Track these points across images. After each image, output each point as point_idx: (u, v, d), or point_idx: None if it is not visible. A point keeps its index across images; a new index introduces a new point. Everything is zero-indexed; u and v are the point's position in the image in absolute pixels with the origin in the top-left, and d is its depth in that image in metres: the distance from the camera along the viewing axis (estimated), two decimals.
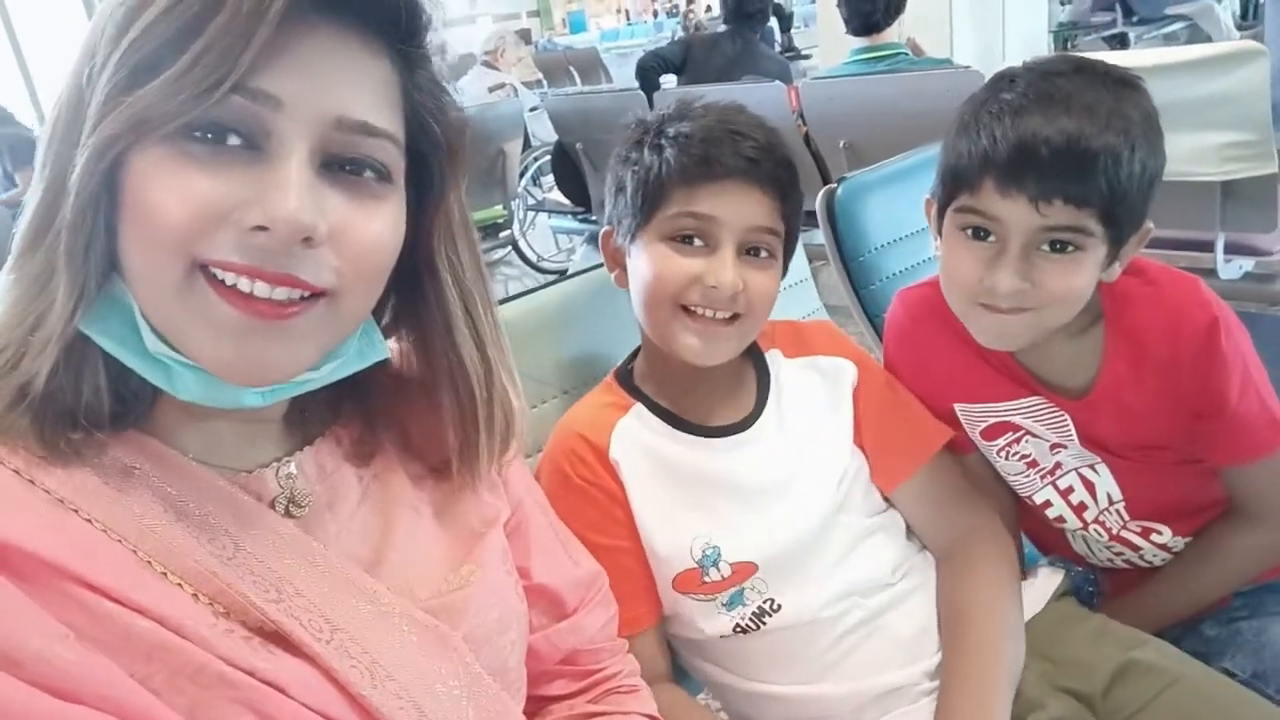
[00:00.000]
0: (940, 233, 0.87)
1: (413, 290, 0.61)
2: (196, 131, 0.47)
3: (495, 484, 0.71)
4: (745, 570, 0.85)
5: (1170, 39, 5.71)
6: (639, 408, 0.91)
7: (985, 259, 0.80)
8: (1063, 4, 8.96)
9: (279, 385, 0.53)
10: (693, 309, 0.83)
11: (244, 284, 0.48)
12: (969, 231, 0.81)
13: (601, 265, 1.07)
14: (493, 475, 0.70)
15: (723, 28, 3.89)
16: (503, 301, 1.03)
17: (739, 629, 0.86)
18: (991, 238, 0.80)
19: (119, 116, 0.46)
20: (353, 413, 0.66)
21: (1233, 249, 2.18)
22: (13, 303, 0.49)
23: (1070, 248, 0.77)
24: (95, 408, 0.51)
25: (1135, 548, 0.96)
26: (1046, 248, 0.78)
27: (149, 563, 0.50)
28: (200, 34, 0.45)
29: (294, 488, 0.59)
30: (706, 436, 0.90)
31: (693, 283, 0.83)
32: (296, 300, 0.50)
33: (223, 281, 0.48)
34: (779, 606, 0.85)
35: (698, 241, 0.84)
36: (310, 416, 0.64)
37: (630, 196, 0.86)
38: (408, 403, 0.66)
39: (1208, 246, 2.15)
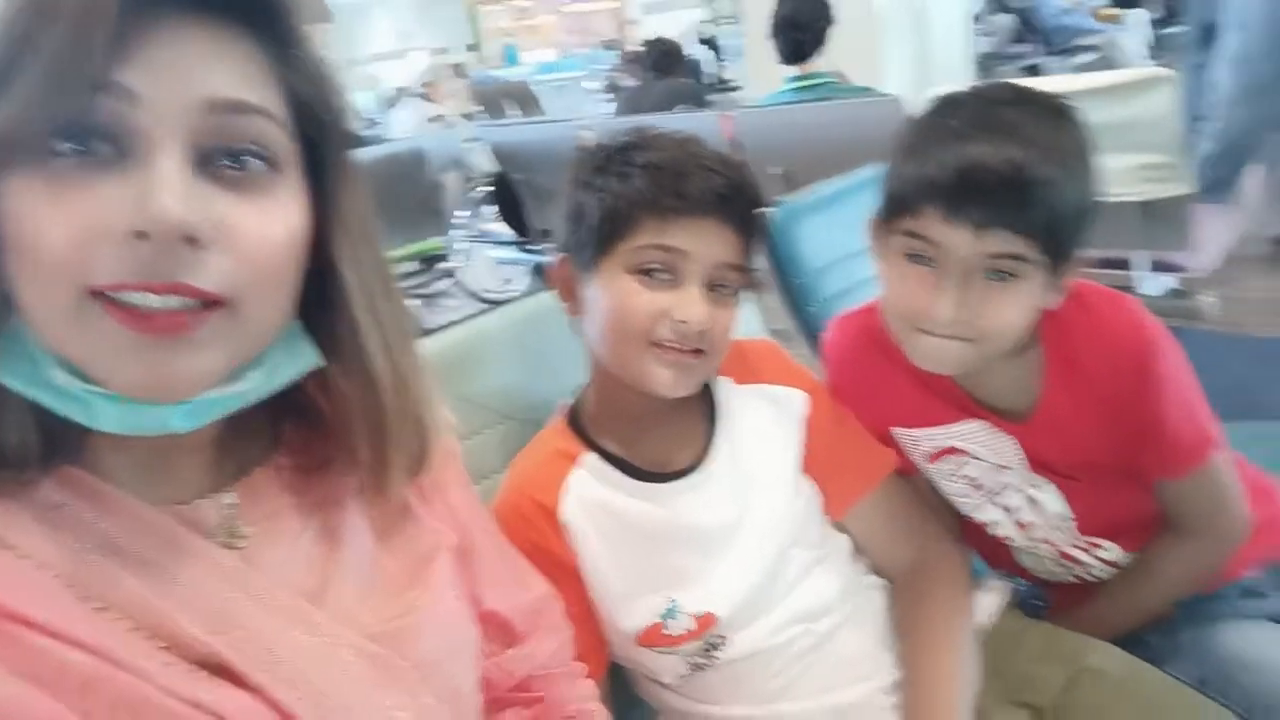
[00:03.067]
0: (881, 255, 0.87)
1: (317, 294, 0.57)
2: (60, 146, 0.45)
3: (439, 509, 0.68)
4: (706, 621, 0.84)
5: (1082, 69, 5.97)
6: (590, 458, 0.87)
7: (926, 284, 0.80)
8: (982, 35, 9.30)
9: (201, 404, 0.50)
10: (662, 343, 0.82)
11: (137, 298, 0.45)
12: (910, 256, 0.81)
13: (539, 292, 1.06)
14: (436, 501, 0.68)
15: (649, 76, 4.01)
16: (441, 328, 1.01)
17: (693, 666, 0.85)
18: (933, 263, 0.80)
19: None
20: (294, 438, 0.63)
21: (1155, 266, 2.26)
22: None
23: (1009, 276, 0.78)
24: (22, 448, 0.49)
25: (1083, 563, 0.97)
26: (987, 276, 0.78)
27: (84, 597, 0.48)
28: (39, 43, 0.43)
29: (233, 518, 0.57)
30: (661, 481, 0.87)
31: (661, 317, 0.81)
32: (193, 309, 0.47)
33: (115, 301, 0.45)
34: (728, 641, 0.84)
35: (664, 275, 0.81)
36: (248, 443, 0.61)
37: (594, 224, 0.83)
38: (341, 430, 0.63)
39: (1127, 265, 2.24)
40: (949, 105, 0.81)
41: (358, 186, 0.57)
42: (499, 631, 0.70)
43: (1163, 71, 2.07)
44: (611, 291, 0.82)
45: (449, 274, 4.17)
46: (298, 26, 0.52)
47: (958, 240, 0.77)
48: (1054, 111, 0.79)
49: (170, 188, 0.45)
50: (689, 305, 0.81)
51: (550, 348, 1.03)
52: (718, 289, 0.84)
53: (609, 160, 0.84)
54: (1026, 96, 0.80)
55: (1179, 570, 0.92)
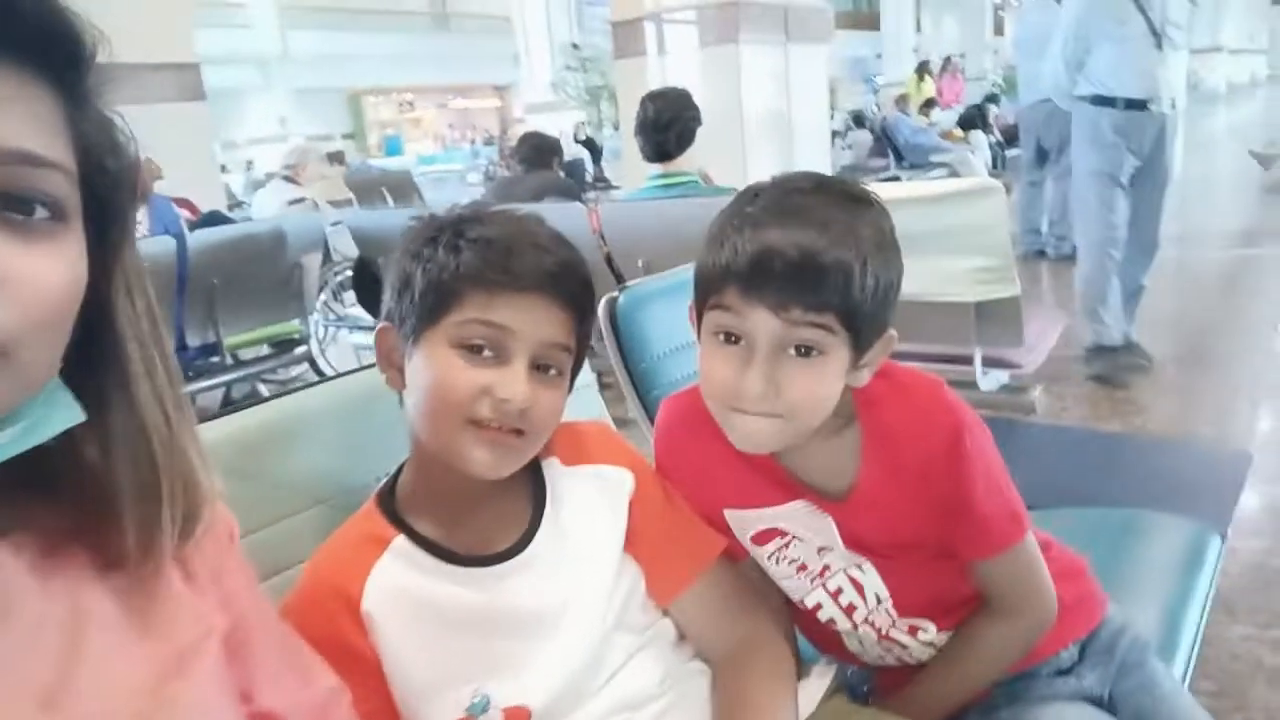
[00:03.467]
0: (700, 339, 0.88)
1: (88, 347, 0.54)
2: None
3: (208, 593, 0.62)
4: (518, 716, 0.79)
5: (932, 183, 6.44)
6: (400, 541, 0.82)
7: (736, 363, 0.82)
8: (843, 149, 9.95)
9: None
10: (482, 422, 0.79)
11: None
12: (721, 336, 0.83)
13: (363, 368, 1.02)
14: (205, 584, 0.62)
15: (517, 169, 4.10)
16: (254, 403, 0.95)
17: None
18: (741, 342, 0.81)
19: None
20: (41, 514, 0.57)
21: (989, 363, 2.39)
22: None
23: (814, 351, 0.80)
24: None
25: (904, 646, 0.97)
26: (792, 351, 0.80)
27: None
28: None
29: None
30: (478, 566, 0.83)
31: (482, 395, 0.78)
32: None
33: None
34: None
35: (488, 352, 0.79)
36: None
37: (418, 295, 0.80)
38: (96, 492, 0.57)
39: (968, 360, 2.36)
40: (750, 193, 0.84)
41: (134, 238, 0.56)
42: None
43: (994, 182, 2.23)
44: (432, 365, 0.80)
45: (308, 359, 4.04)
46: (93, 76, 0.51)
47: (758, 320, 0.79)
48: (850, 198, 0.82)
49: None
50: (512, 383, 0.78)
51: (368, 428, 0.98)
52: (543, 369, 0.82)
53: (440, 232, 0.82)
54: (825, 185, 0.83)
55: (994, 649, 0.93)
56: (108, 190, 0.52)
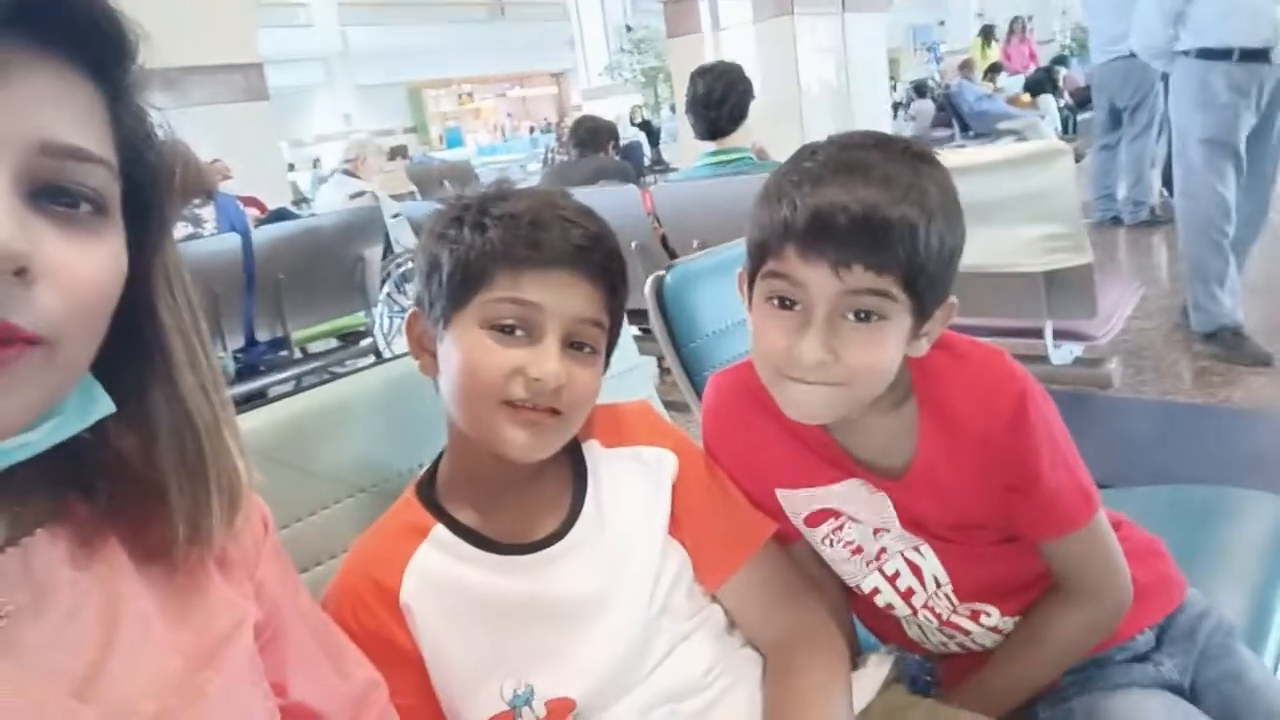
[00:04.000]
0: (751, 307, 0.85)
1: (127, 339, 0.55)
2: None
3: (243, 583, 0.62)
4: (563, 708, 0.77)
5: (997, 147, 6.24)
6: (439, 530, 0.81)
7: (791, 328, 0.78)
8: (906, 121, 9.71)
9: None
10: (516, 402, 0.77)
11: None
12: (775, 301, 0.80)
13: (402, 356, 1.01)
14: (240, 575, 0.62)
15: (572, 153, 4.09)
16: (293, 393, 0.95)
17: None
18: (797, 306, 0.78)
19: None
20: (76, 505, 0.57)
21: (1061, 335, 2.29)
22: None
23: (874, 316, 0.76)
24: None
25: (966, 631, 0.93)
26: (851, 317, 0.76)
27: None
28: None
29: None
30: (519, 554, 0.81)
31: (515, 375, 0.76)
32: (10, 346, 0.44)
33: None
34: None
35: (519, 331, 0.78)
36: (21, 506, 0.55)
37: (446, 277, 0.79)
38: (133, 483, 0.58)
39: (1038, 334, 2.26)
40: (808, 151, 0.80)
41: (172, 231, 0.58)
42: None
43: (1060, 144, 2.12)
44: (464, 347, 0.78)
45: (374, 351, 4.11)
46: (138, 71, 0.52)
47: (818, 279, 0.75)
48: (913, 155, 0.78)
49: (4, 220, 0.43)
50: (544, 362, 0.77)
51: (408, 415, 0.97)
52: (577, 346, 0.80)
53: (465, 211, 0.81)
54: (887, 142, 0.79)
55: (1066, 636, 0.89)
56: (146, 183, 0.54)
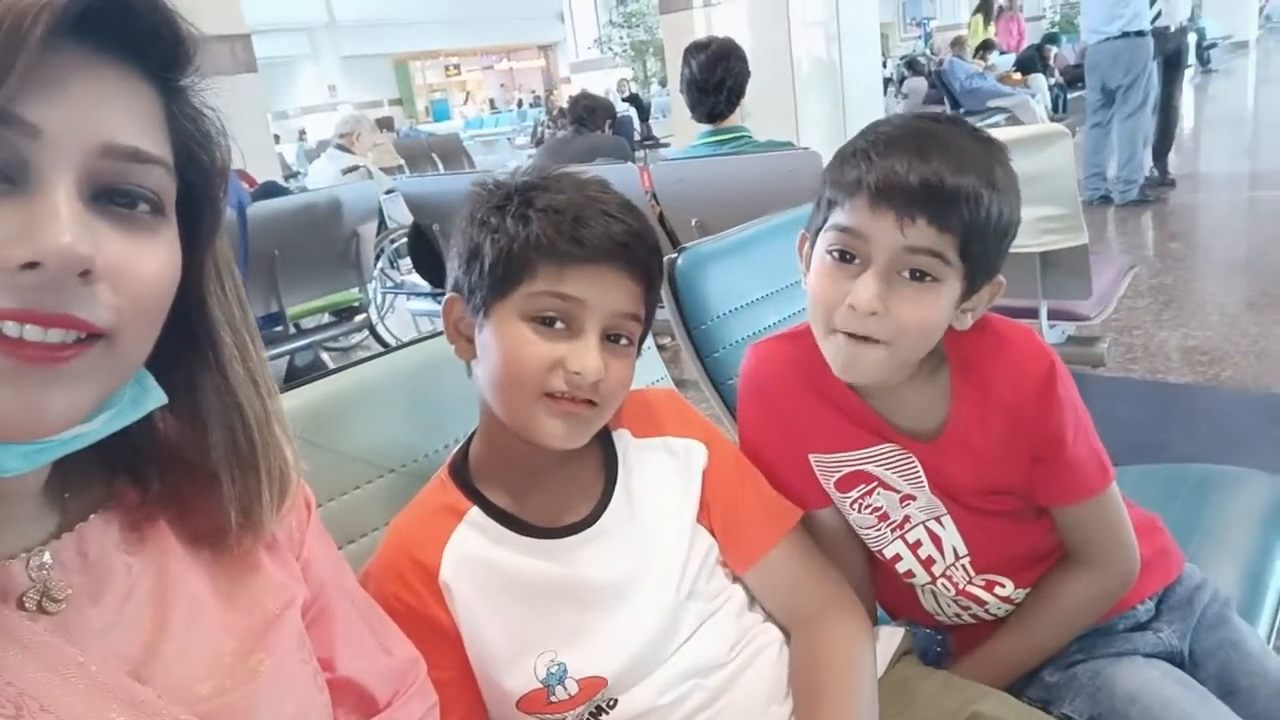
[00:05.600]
0: (810, 264, 0.89)
1: (179, 332, 0.56)
2: None
3: (290, 564, 0.64)
4: (594, 686, 0.80)
5: (994, 129, 6.25)
6: (475, 513, 0.83)
7: (847, 278, 0.83)
8: (897, 98, 9.70)
9: (48, 443, 0.47)
10: (555, 394, 0.79)
11: (11, 328, 0.43)
12: (836, 254, 0.84)
13: (429, 337, 1.02)
14: (287, 555, 0.64)
15: (568, 130, 4.09)
16: (323, 374, 0.97)
17: None
18: (857, 261, 0.82)
19: None
20: (127, 491, 0.59)
21: (1055, 315, 2.33)
22: None
23: (928, 277, 0.81)
24: None
25: (981, 601, 0.97)
26: (906, 274, 0.81)
27: None
28: None
29: (48, 580, 0.52)
30: (551, 538, 0.83)
31: (555, 367, 0.78)
32: (72, 343, 0.46)
33: None
34: (615, 703, 0.81)
35: (559, 324, 0.78)
36: (77, 494, 0.56)
37: (488, 267, 0.79)
38: (184, 471, 0.60)
39: (1033, 314, 2.29)
40: (883, 122, 0.86)
41: (224, 227, 0.59)
42: (358, 700, 0.66)
43: (1058, 127, 2.14)
44: (504, 338, 0.79)
45: (368, 326, 4.11)
46: (193, 73, 0.53)
47: (882, 231, 0.80)
48: (982, 137, 0.84)
49: (68, 221, 0.44)
50: (584, 356, 0.78)
51: (436, 395, 0.99)
52: (613, 338, 0.81)
53: (507, 200, 0.81)
54: (957, 120, 0.86)
55: (1076, 603, 0.93)
56: (200, 181, 0.55)
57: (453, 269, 0.85)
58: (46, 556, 0.52)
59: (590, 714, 0.81)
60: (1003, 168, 0.82)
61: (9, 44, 0.42)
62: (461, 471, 0.87)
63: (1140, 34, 5.15)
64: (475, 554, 0.82)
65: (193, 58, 0.52)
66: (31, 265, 0.43)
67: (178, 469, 0.60)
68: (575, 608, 0.82)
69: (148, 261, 0.49)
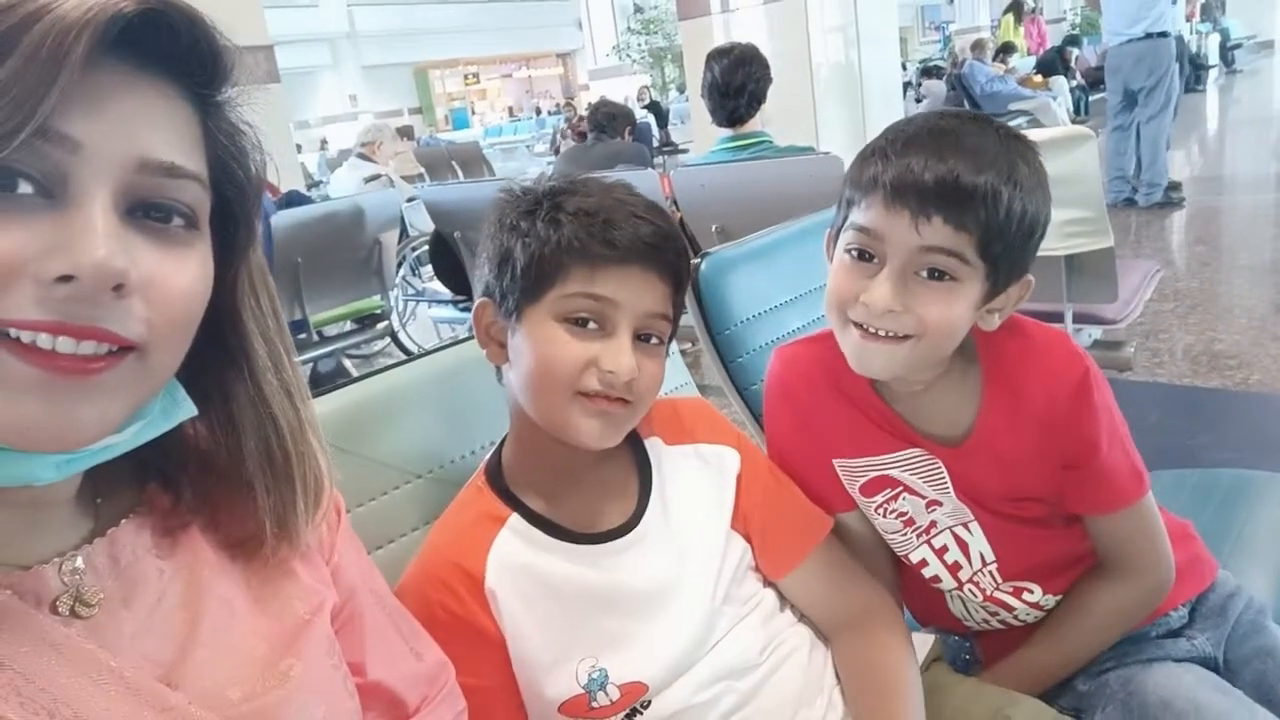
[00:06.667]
0: (832, 262, 0.89)
1: (212, 343, 0.57)
2: None
3: (320, 568, 0.65)
4: (635, 691, 0.80)
5: None
6: (515, 519, 0.84)
7: (864, 275, 0.82)
8: (918, 101, 9.66)
9: (79, 454, 0.48)
10: (589, 393, 0.79)
11: (44, 340, 0.44)
12: (854, 252, 0.83)
13: (456, 343, 1.03)
14: (317, 560, 0.64)
15: (591, 137, 4.12)
16: (351, 381, 0.97)
17: None
18: (874, 259, 0.82)
19: None
20: (158, 496, 0.59)
21: (1081, 319, 2.30)
22: None
23: (946, 276, 0.80)
24: None
25: (1009, 608, 0.96)
26: (924, 274, 0.80)
27: None
28: None
29: (80, 584, 0.52)
30: (591, 544, 0.84)
31: (589, 367, 0.78)
32: (104, 355, 0.46)
33: (18, 340, 0.44)
34: (649, 703, 0.81)
35: (592, 324, 0.79)
36: (109, 501, 0.57)
37: (520, 271, 0.80)
38: (216, 479, 0.60)
39: (1058, 318, 2.27)
40: (904, 121, 0.85)
41: (259, 240, 0.59)
42: (387, 705, 0.66)
43: (1084, 130, 2.13)
44: (538, 340, 0.80)
45: (390, 334, 4.13)
46: (230, 88, 0.54)
47: (897, 230, 0.79)
48: (1005, 133, 0.82)
49: (104, 236, 0.45)
50: (617, 355, 0.79)
51: (463, 401, 0.99)
52: (644, 338, 0.82)
53: (536, 205, 0.82)
54: (980, 118, 0.84)
55: (1109, 613, 0.92)
56: (236, 195, 0.56)
57: (482, 274, 0.85)
58: (79, 561, 0.53)
59: (625, 715, 0.81)
60: (1028, 165, 0.80)
61: (52, 60, 0.43)
62: (497, 478, 0.87)
63: (1163, 35, 5.11)
64: (517, 560, 0.82)
65: (230, 73, 0.53)
66: (66, 278, 0.43)
67: (209, 476, 0.60)
68: (614, 614, 0.82)
69: (180, 276, 0.50)
